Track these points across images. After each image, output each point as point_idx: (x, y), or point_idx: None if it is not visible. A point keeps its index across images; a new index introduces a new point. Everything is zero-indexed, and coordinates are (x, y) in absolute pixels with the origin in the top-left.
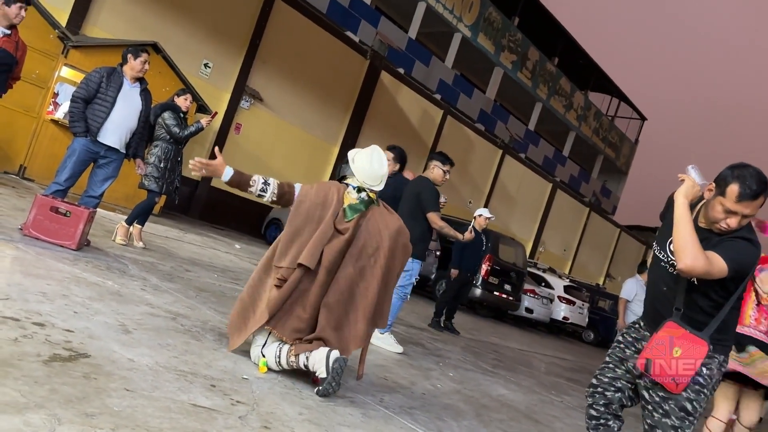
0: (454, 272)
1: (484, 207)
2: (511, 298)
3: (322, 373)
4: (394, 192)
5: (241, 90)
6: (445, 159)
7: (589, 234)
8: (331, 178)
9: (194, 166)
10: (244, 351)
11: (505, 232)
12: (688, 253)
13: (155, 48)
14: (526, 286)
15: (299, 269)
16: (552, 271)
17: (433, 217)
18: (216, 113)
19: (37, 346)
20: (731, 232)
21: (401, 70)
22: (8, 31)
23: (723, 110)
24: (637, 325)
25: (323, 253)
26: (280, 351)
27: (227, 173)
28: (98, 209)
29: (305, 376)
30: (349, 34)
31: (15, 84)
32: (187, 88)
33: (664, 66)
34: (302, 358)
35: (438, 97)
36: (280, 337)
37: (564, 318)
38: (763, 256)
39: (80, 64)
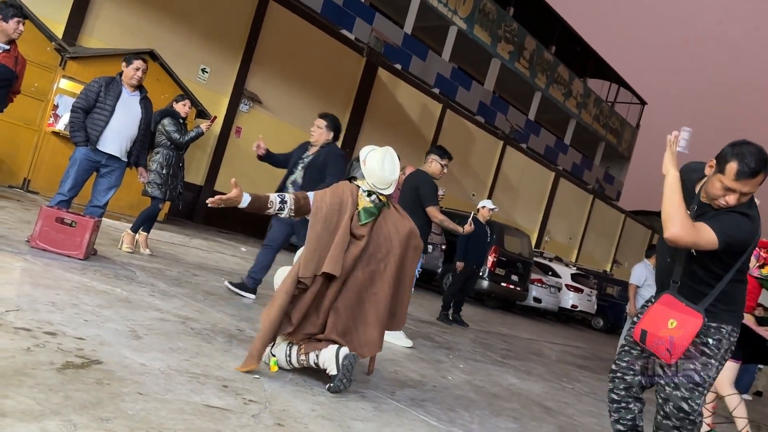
0: (459, 265)
1: (488, 199)
2: (518, 288)
3: (332, 370)
4: (326, 159)
5: (239, 93)
6: (443, 153)
7: (594, 221)
8: None
9: (213, 202)
10: None
11: (510, 222)
12: (674, 222)
13: (152, 55)
14: (533, 276)
15: (320, 277)
16: (558, 259)
17: (433, 211)
18: (215, 118)
19: (49, 354)
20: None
21: (398, 66)
22: (7, 47)
23: (724, 91)
24: (649, 304)
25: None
26: (290, 350)
27: (245, 201)
28: (103, 218)
29: (316, 373)
30: (344, 32)
31: (15, 98)
32: (186, 94)
33: (662, 49)
34: (312, 356)
35: (436, 91)
36: (291, 340)
37: (572, 306)
38: (763, 240)
39: (78, 75)
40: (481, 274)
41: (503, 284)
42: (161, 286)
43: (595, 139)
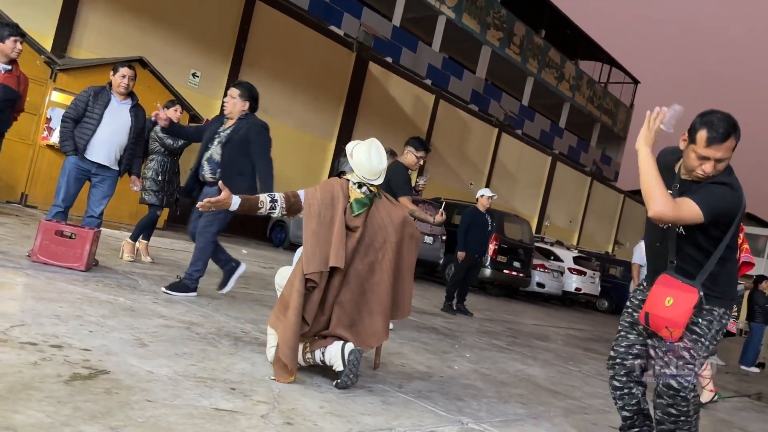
0: (461, 255)
1: (486, 187)
2: (521, 274)
3: (338, 366)
4: (247, 133)
5: None
6: (419, 145)
7: (593, 203)
8: (330, 174)
9: (203, 206)
10: (261, 352)
11: (509, 209)
12: (655, 199)
13: (142, 63)
14: (536, 261)
15: (325, 272)
16: (560, 243)
17: (405, 201)
18: (208, 121)
19: (56, 367)
20: (710, 179)
21: (389, 59)
22: (9, 67)
23: (716, 68)
24: (641, 287)
25: None
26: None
27: (235, 203)
28: (103, 228)
29: (323, 370)
30: (333, 28)
31: (19, 116)
32: (176, 99)
33: (653, 27)
34: (318, 354)
35: (428, 82)
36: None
37: (576, 289)
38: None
39: (69, 86)
40: (483, 262)
41: (506, 271)
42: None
43: (590, 120)
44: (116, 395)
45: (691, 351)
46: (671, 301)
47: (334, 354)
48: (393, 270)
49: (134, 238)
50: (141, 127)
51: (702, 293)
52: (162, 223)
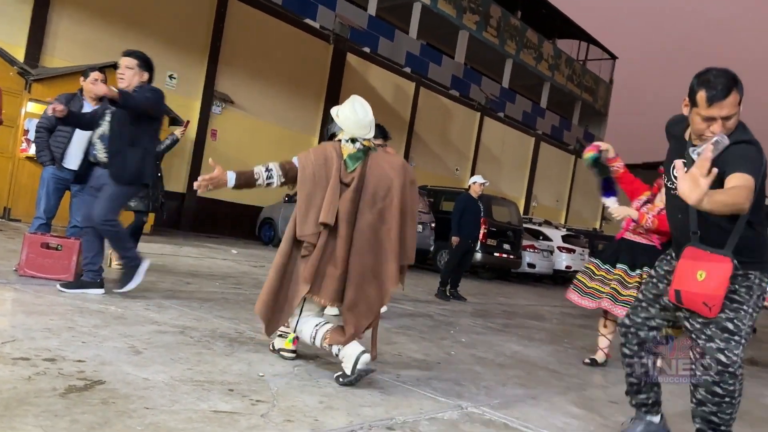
0: (455, 240)
1: (473, 173)
2: (511, 256)
3: (347, 369)
4: (147, 103)
5: (210, 96)
6: (378, 132)
7: (579, 181)
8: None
9: (199, 185)
10: (257, 352)
11: (496, 192)
12: (739, 202)
13: (116, 68)
14: (525, 242)
15: (323, 231)
16: (548, 223)
17: None
18: (188, 122)
19: (51, 381)
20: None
21: (367, 49)
22: None
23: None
24: (668, 257)
25: (339, 208)
26: (316, 333)
27: (230, 179)
28: None
29: (322, 365)
30: (308, 21)
31: None
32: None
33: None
34: (335, 348)
35: (408, 70)
36: (321, 304)
37: (567, 267)
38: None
39: (45, 96)
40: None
41: (496, 254)
42: (156, 298)
43: (571, 99)
44: (113, 405)
45: (735, 321)
46: (703, 274)
47: (348, 356)
48: (400, 214)
49: None
50: None
51: (735, 261)
52: (149, 229)
